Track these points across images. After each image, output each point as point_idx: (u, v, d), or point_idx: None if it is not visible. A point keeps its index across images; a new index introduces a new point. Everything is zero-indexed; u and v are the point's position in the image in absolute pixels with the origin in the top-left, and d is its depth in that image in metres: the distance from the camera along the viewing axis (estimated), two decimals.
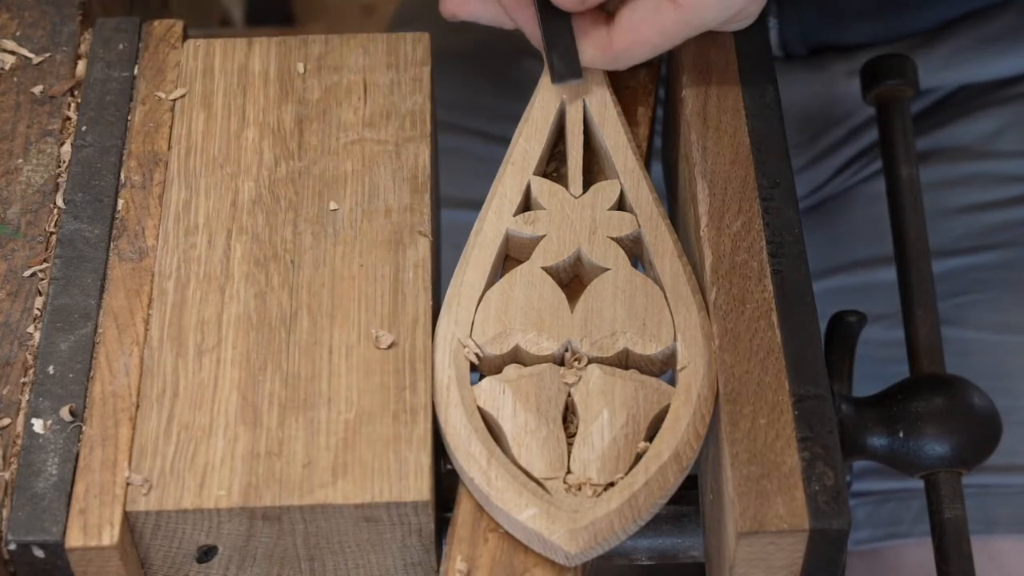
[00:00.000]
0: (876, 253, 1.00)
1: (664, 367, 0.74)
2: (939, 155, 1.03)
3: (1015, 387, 0.95)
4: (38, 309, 0.74)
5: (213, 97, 0.81)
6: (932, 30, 1.03)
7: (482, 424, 0.71)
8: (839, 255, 1.03)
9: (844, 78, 1.03)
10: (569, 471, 0.70)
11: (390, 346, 0.73)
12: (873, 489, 0.96)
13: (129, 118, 0.80)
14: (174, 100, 0.81)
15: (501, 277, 0.76)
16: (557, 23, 0.77)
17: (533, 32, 0.79)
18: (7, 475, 0.69)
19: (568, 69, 0.78)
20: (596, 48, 0.77)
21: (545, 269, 0.75)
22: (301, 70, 0.82)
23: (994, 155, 1.02)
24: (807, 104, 1.05)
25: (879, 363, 0.94)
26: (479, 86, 1.09)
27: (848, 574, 0.95)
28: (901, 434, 0.77)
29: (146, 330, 0.73)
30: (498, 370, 0.73)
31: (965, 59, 1.03)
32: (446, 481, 0.73)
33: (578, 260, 0.76)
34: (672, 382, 0.73)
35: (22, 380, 0.72)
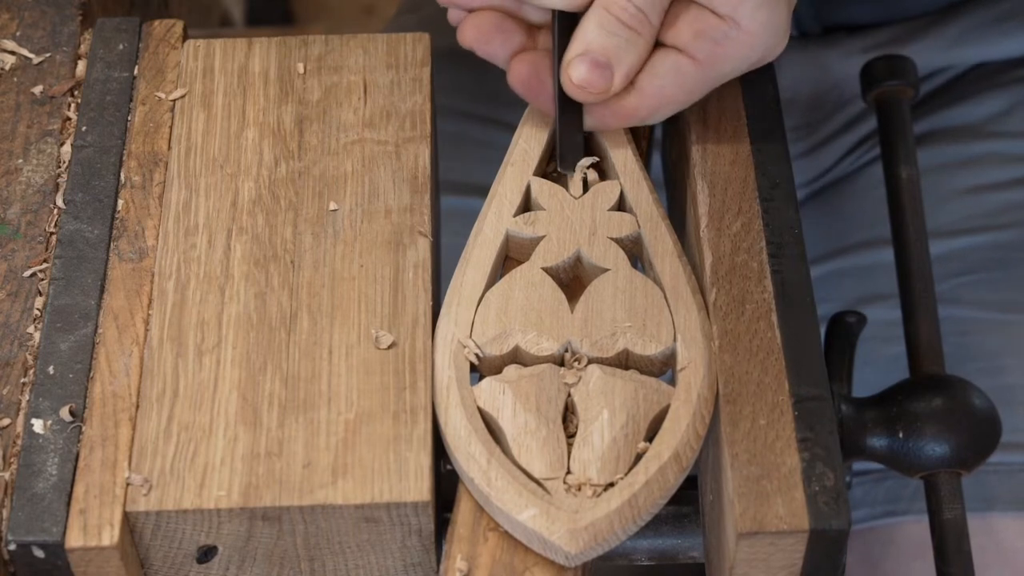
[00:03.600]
0: (881, 234, 1.00)
1: (664, 367, 0.74)
2: (948, 135, 1.02)
3: (1014, 366, 0.95)
4: (38, 309, 0.74)
5: (213, 97, 0.81)
6: (943, 9, 1.03)
7: (482, 424, 0.71)
8: (845, 235, 1.03)
9: (858, 55, 1.03)
10: (569, 471, 0.70)
11: (390, 346, 0.73)
12: (871, 468, 0.95)
13: (129, 118, 0.80)
14: (174, 100, 0.81)
15: (501, 277, 0.76)
16: (571, 112, 0.77)
17: (548, 110, 0.78)
18: (7, 475, 0.69)
19: (574, 160, 0.78)
20: (623, 118, 0.77)
21: (545, 269, 0.75)
22: (301, 70, 0.82)
23: (1002, 135, 1.02)
24: (819, 82, 1.05)
25: (881, 343, 0.94)
26: (483, 71, 1.09)
27: None
28: (901, 435, 0.77)
29: (146, 330, 0.73)
30: (498, 370, 0.73)
31: (977, 38, 1.02)
32: (446, 481, 0.73)
33: (578, 261, 0.76)
34: (672, 382, 0.73)
35: (22, 380, 0.72)
